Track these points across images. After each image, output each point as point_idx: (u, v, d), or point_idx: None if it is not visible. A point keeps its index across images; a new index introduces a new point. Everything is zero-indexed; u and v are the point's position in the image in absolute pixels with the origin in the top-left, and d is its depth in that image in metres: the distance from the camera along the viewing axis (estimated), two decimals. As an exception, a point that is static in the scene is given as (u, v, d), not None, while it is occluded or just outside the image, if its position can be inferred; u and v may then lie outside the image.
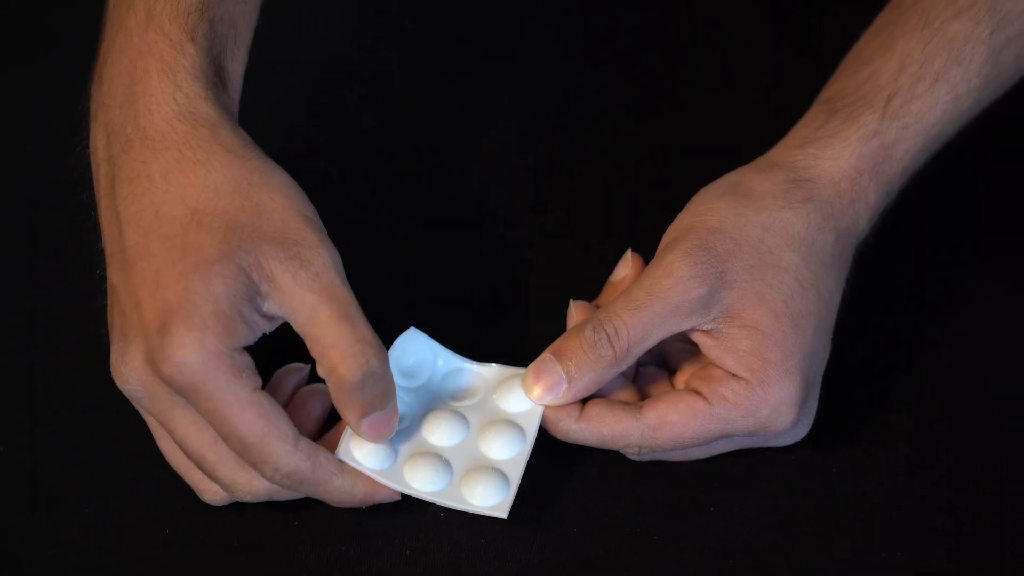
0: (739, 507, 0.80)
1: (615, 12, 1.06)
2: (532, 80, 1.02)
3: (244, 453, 0.74)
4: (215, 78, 0.78)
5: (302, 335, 0.75)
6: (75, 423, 0.82)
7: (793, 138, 0.81)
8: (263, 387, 0.75)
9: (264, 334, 0.75)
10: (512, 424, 0.78)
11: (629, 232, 0.91)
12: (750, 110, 1.00)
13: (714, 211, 0.79)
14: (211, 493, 0.78)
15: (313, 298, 0.74)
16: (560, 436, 0.79)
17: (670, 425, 0.77)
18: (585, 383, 0.77)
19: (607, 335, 0.77)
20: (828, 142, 0.80)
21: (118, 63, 0.78)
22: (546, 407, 0.78)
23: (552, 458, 0.80)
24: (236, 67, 0.81)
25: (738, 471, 0.80)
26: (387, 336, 0.79)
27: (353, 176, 0.96)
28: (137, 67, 0.77)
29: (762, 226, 0.78)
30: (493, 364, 0.81)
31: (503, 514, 0.76)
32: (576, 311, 0.81)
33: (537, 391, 0.78)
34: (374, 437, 0.76)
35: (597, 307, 0.82)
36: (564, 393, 0.78)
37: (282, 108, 0.87)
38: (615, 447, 0.78)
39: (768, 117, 0.85)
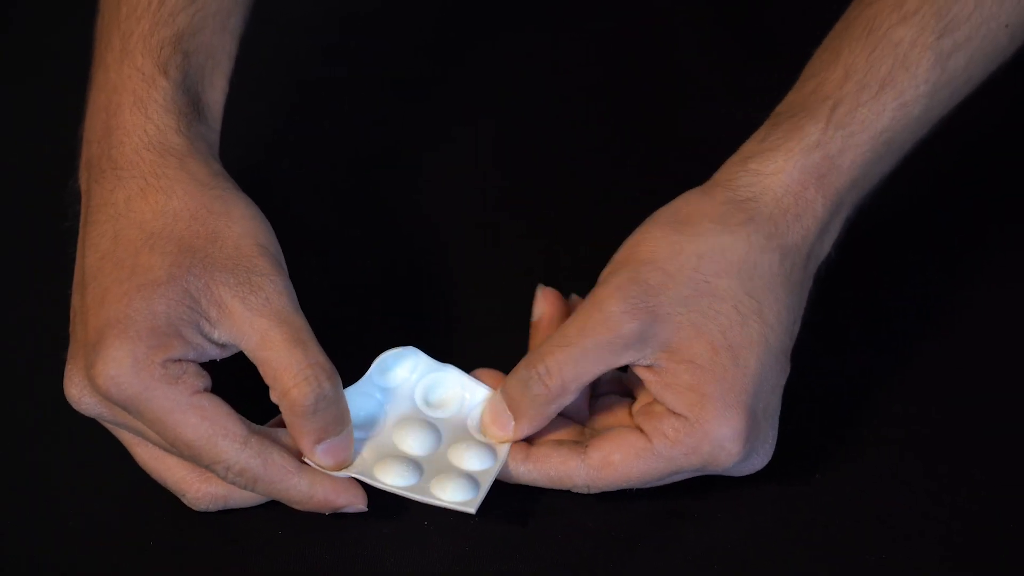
0: (725, 512, 0.80)
1: (582, 18, 1.05)
2: (498, 86, 1.02)
3: (194, 457, 0.74)
4: (189, 109, 0.79)
5: (254, 360, 0.75)
6: (59, 431, 0.83)
7: (738, 154, 0.79)
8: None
9: (215, 360, 0.76)
10: (483, 444, 0.79)
11: (595, 239, 0.90)
12: (720, 119, 0.98)
13: (648, 242, 0.77)
14: (192, 493, 0.77)
15: (264, 323, 0.74)
16: (511, 480, 0.78)
17: (614, 465, 0.76)
18: (528, 421, 0.78)
19: (538, 374, 0.76)
20: (770, 156, 0.78)
21: (96, 99, 0.80)
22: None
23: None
24: (215, 96, 0.81)
25: (724, 477, 0.79)
26: (356, 346, 0.80)
27: (317, 183, 0.96)
28: (112, 102, 0.79)
29: (696, 254, 0.76)
30: (476, 381, 0.81)
31: (472, 510, 0.76)
32: (542, 297, 0.81)
33: (491, 428, 0.79)
34: (330, 464, 0.76)
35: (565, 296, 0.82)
36: (512, 431, 0.78)
37: (247, 114, 0.88)
38: (563, 487, 0.78)
39: (738, 127, 0.84)
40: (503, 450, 0.78)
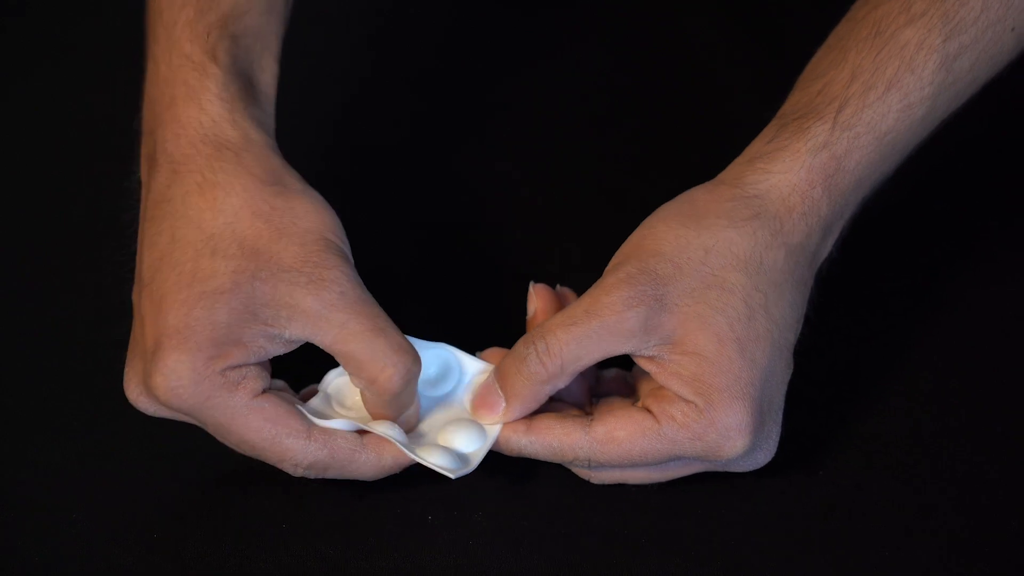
0: (725, 508, 0.80)
1: (595, 17, 1.06)
2: (510, 84, 1.02)
3: (261, 457, 0.75)
4: (243, 94, 0.78)
5: (333, 353, 0.75)
6: (60, 425, 0.83)
7: (744, 154, 0.79)
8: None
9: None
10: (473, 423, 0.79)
11: (605, 235, 0.88)
12: (726, 117, 0.99)
13: (657, 234, 0.77)
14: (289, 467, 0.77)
15: (341, 316, 0.73)
16: (511, 452, 0.78)
17: (617, 441, 0.76)
18: (521, 401, 0.77)
19: (536, 350, 0.76)
20: (777, 156, 0.77)
21: (150, 93, 0.79)
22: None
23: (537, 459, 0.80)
24: (267, 79, 0.80)
25: (724, 474, 0.79)
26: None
27: (322, 180, 0.95)
28: (164, 94, 0.78)
29: (704, 248, 0.76)
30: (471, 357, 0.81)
31: (452, 476, 0.76)
32: (534, 293, 0.81)
33: (480, 411, 0.78)
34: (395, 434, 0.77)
35: (557, 289, 0.82)
36: (502, 413, 0.77)
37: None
38: (564, 460, 0.77)
39: (744, 126, 0.84)
40: (493, 431, 0.78)
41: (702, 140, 0.97)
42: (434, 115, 1.00)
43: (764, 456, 0.78)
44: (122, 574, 0.78)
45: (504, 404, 0.77)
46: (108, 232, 0.89)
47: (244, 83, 0.78)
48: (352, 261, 0.76)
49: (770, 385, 0.76)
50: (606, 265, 0.81)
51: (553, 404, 0.79)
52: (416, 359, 0.75)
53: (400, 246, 0.92)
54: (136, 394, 0.76)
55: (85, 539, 0.79)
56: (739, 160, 0.79)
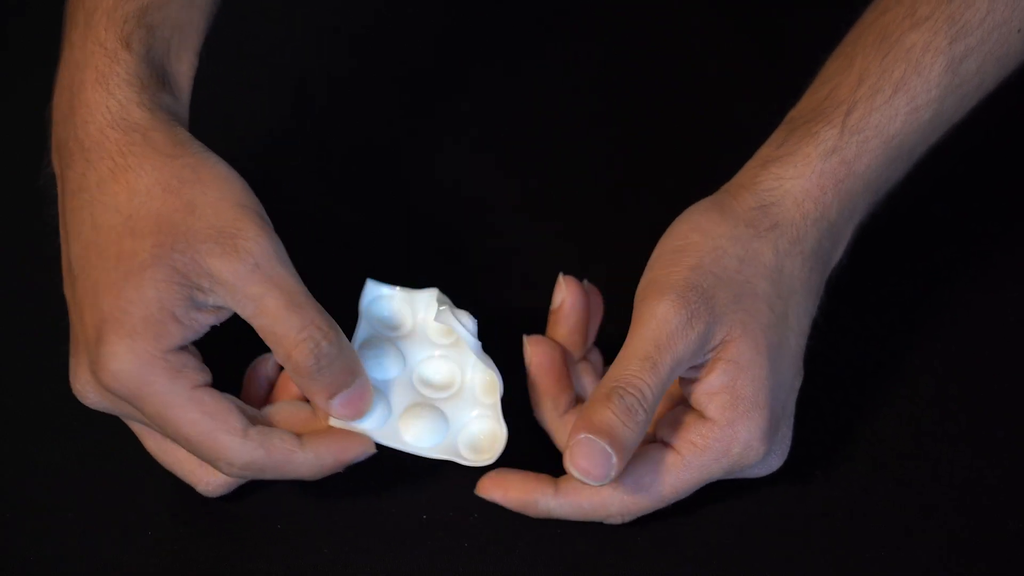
0: (723, 509, 0.80)
1: (594, 19, 1.06)
2: (508, 86, 1.02)
3: (195, 451, 0.74)
4: (152, 81, 0.77)
5: (253, 326, 0.74)
6: (57, 424, 0.83)
7: (756, 159, 0.79)
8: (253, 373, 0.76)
9: (214, 326, 0.75)
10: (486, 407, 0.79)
11: (601, 236, 0.91)
12: (726, 117, 0.99)
13: (689, 247, 0.77)
14: (203, 485, 0.78)
15: (256, 289, 0.73)
16: (540, 515, 0.77)
17: (646, 487, 0.76)
18: (630, 451, 0.75)
19: (637, 400, 0.74)
20: (789, 160, 0.78)
21: (62, 78, 0.79)
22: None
23: (536, 457, 0.80)
24: (183, 69, 0.80)
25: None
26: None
27: (319, 178, 0.96)
28: (76, 79, 0.77)
29: (738, 258, 0.76)
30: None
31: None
32: (531, 347, 0.80)
33: (594, 473, 0.74)
34: (349, 415, 0.76)
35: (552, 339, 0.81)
36: (616, 467, 0.74)
37: (249, 111, 0.88)
38: (596, 518, 0.77)
39: (744, 126, 0.84)
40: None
41: (701, 140, 0.97)
42: (430, 114, 1.00)
43: (777, 461, 0.78)
44: (121, 574, 0.78)
45: (616, 459, 0.74)
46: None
47: (156, 71, 0.78)
48: (270, 225, 0.76)
49: (783, 390, 0.77)
50: (605, 265, 0.81)
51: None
52: (329, 337, 0.74)
53: (397, 245, 0.92)
54: (82, 384, 0.75)
55: (84, 539, 0.79)
56: (751, 164, 0.79)
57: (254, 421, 0.75)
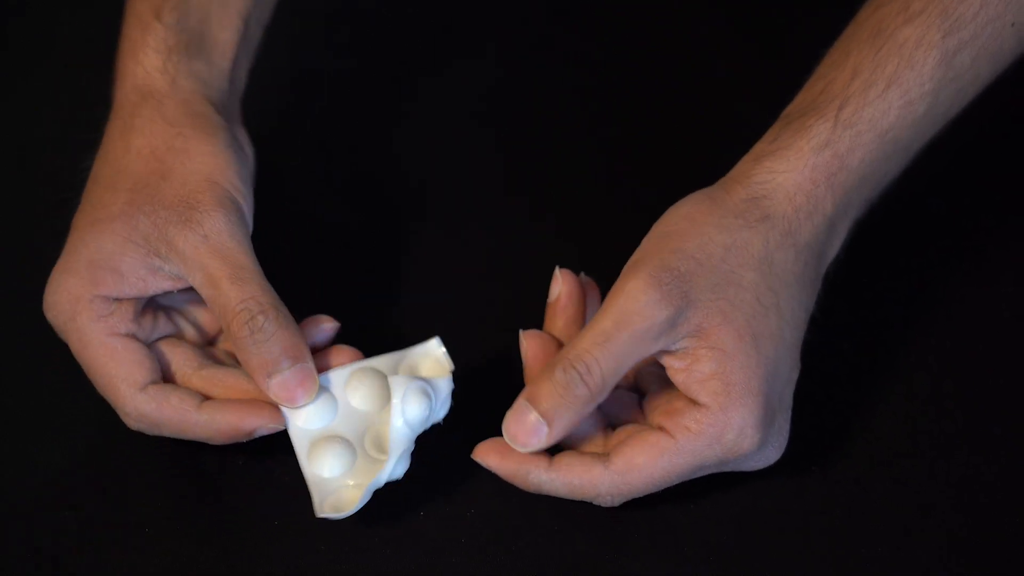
0: (721, 505, 0.80)
1: (593, 15, 1.06)
2: (508, 82, 1.02)
3: (101, 393, 0.78)
4: (182, 48, 0.82)
5: (202, 297, 0.77)
6: (57, 431, 0.83)
7: (750, 154, 0.79)
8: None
9: (173, 292, 0.78)
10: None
11: (603, 234, 0.91)
12: (725, 116, 0.99)
13: (676, 233, 0.77)
14: (123, 416, 0.79)
15: (204, 261, 0.76)
16: (531, 488, 0.77)
17: (638, 468, 0.76)
18: (564, 424, 0.76)
19: (579, 373, 0.75)
20: (782, 154, 0.78)
21: (119, 46, 0.83)
22: (519, 450, 0.77)
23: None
24: (224, 35, 0.83)
25: (720, 472, 0.79)
26: (358, 340, 0.80)
27: (319, 178, 0.97)
28: (121, 48, 0.83)
29: (723, 246, 0.76)
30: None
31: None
32: (527, 341, 0.80)
33: (520, 438, 0.76)
34: (284, 398, 0.77)
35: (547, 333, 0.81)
36: (546, 437, 0.76)
37: (249, 110, 0.88)
38: (586, 496, 0.77)
39: (743, 124, 0.84)
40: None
41: (702, 139, 0.97)
42: (430, 114, 1.00)
43: (775, 453, 0.78)
44: (121, 574, 0.78)
45: (547, 429, 0.76)
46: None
47: (190, 38, 0.82)
48: (241, 209, 0.79)
49: (778, 381, 0.76)
50: (604, 264, 0.81)
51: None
52: (266, 313, 0.76)
53: (395, 244, 0.92)
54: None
55: (84, 539, 0.79)
56: (746, 159, 0.80)
57: (185, 382, 0.78)
